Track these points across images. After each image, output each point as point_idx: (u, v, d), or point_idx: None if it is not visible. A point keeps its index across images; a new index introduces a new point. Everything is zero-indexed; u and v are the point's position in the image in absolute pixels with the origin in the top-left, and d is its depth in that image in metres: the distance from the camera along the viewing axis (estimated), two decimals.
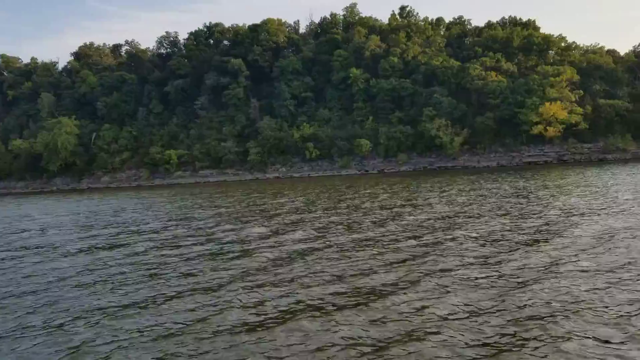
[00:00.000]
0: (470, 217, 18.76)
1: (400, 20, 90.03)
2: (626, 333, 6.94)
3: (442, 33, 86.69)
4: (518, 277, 9.85)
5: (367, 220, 19.39)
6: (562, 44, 76.41)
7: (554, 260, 11.07)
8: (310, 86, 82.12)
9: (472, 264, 11.16)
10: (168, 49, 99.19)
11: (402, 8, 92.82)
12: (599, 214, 17.37)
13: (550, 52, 76.84)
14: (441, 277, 10.18)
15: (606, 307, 7.92)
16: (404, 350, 6.81)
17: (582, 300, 8.25)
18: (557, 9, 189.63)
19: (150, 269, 12.75)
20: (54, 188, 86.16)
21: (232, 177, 79.13)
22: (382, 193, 32.84)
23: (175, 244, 16.64)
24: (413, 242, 14.23)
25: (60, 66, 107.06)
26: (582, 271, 10.01)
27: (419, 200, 26.52)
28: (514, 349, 6.67)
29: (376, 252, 13.05)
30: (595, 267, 10.25)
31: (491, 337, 7.07)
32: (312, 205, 27.55)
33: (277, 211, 25.35)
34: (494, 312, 7.96)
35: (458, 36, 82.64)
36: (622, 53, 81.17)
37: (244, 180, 76.05)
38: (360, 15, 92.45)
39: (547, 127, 64.96)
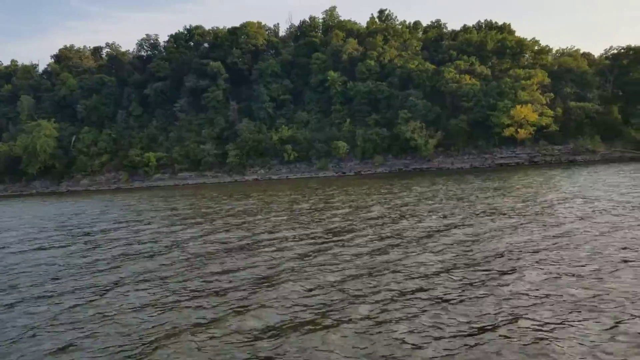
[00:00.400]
0: (392, 218, 19.61)
1: (379, 23, 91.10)
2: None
3: (419, 36, 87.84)
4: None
5: (297, 222, 20.16)
6: (536, 47, 77.83)
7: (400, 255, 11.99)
8: (289, 89, 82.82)
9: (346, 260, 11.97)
10: (148, 52, 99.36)
11: (381, 11, 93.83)
12: (500, 216, 18.28)
13: (525, 55, 78.14)
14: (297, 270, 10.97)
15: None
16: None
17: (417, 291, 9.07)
18: (548, 11, 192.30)
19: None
20: (33, 191, 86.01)
21: (211, 179, 79.59)
22: (335, 195, 33.67)
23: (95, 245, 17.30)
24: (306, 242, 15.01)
25: (40, 68, 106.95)
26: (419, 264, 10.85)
27: (358, 202, 27.36)
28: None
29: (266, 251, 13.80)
30: (439, 263, 11.14)
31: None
32: (260, 208, 28.28)
33: (219, 214, 26.03)
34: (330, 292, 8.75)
35: (434, 39, 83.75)
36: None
37: (222, 183, 76.59)
38: (340, 18, 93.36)
39: (519, 130, 66.29)
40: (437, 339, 7.40)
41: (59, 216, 32.12)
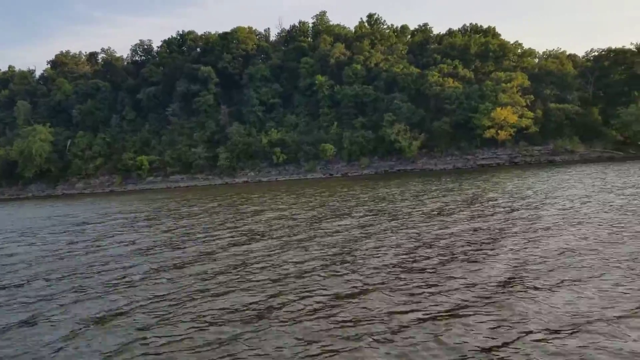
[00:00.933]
0: (334, 215, 21.42)
1: (367, 27, 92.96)
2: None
3: (406, 40, 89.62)
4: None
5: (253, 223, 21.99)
6: (518, 50, 79.58)
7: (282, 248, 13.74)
8: (278, 92, 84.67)
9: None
10: (142, 57, 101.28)
11: (370, 16, 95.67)
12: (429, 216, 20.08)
13: (507, 58, 79.81)
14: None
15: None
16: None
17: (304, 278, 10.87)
18: (548, 11, 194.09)
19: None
20: (29, 194, 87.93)
21: (202, 182, 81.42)
22: (310, 196, 35.48)
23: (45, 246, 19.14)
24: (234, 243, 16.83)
25: (37, 74, 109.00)
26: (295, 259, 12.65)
27: (312, 204, 29.18)
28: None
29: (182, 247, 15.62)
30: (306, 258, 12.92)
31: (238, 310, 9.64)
32: (226, 209, 30.10)
33: (181, 216, 27.87)
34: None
35: (420, 43, 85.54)
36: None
37: (213, 185, 78.42)
38: (329, 23, 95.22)
39: (499, 131, 68.05)
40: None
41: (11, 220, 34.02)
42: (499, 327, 7.85)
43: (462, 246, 13.76)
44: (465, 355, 7.00)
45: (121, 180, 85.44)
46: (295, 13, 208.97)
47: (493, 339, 7.48)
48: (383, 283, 10.58)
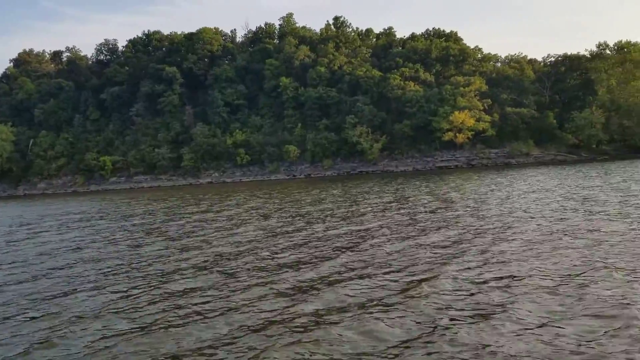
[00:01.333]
0: (258, 216, 22.12)
1: (334, 30, 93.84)
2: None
3: (371, 43, 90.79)
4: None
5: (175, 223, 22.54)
6: (478, 55, 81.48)
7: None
8: (243, 94, 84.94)
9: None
10: (107, 56, 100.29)
11: (336, 18, 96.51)
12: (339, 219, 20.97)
13: (467, 63, 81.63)
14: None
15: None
16: None
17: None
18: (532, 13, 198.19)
19: None
20: None
21: (166, 182, 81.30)
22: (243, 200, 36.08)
23: None
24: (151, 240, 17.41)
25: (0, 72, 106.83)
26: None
27: (245, 206, 29.86)
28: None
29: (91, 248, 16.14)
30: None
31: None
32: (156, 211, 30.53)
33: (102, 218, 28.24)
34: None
35: (384, 47, 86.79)
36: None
37: (177, 186, 78.44)
38: (296, 25, 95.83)
39: (457, 134, 69.71)
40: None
41: None
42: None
43: (345, 244, 14.55)
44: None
45: (84, 180, 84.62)
46: (268, 14, 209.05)
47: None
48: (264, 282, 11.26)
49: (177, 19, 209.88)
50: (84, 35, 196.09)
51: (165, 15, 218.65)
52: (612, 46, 76.65)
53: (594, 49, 77.86)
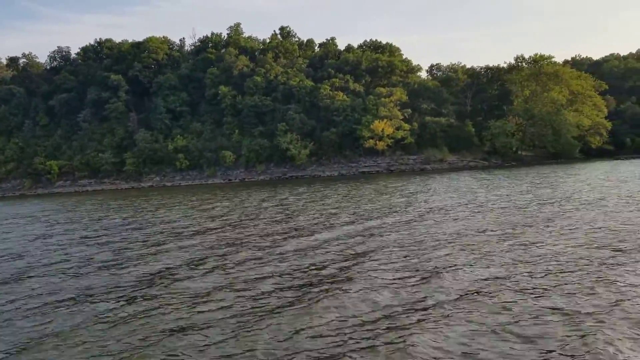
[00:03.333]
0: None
1: (280, 39, 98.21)
2: None
3: (312, 54, 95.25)
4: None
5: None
6: (405, 67, 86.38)
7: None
8: (186, 101, 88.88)
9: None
10: (60, 63, 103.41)
11: (282, 28, 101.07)
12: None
13: (397, 74, 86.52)
14: None
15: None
16: None
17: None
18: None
19: None
20: None
21: (110, 186, 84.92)
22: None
23: None
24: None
25: None
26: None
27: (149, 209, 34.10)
28: None
29: None
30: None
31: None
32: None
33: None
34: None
35: (321, 58, 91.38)
36: None
37: (120, 189, 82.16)
38: (243, 34, 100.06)
39: (378, 142, 74.54)
40: None
41: None
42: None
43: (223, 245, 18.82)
44: None
45: (31, 184, 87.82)
46: (264, 15, 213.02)
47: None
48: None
49: (158, 19, 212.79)
50: (62, 35, 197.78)
51: (144, 16, 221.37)
52: (527, 59, 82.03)
53: (512, 61, 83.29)
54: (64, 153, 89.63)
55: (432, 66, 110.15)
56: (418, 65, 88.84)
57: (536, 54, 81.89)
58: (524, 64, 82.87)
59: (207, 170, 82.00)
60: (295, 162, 77.50)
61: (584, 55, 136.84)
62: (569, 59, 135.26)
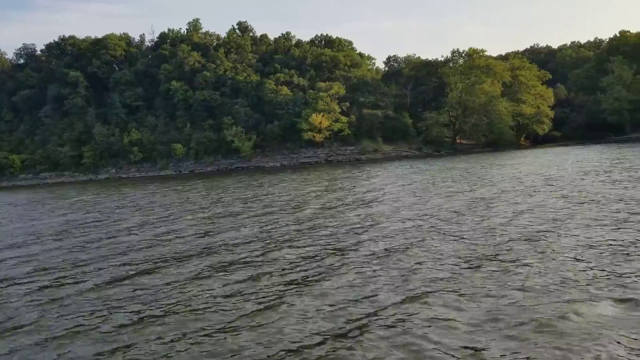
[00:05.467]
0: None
1: (238, 34, 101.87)
2: None
3: (265, 49, 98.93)
4: None
5: None
6: (349, 62, 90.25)
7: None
8: (141, 96, 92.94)
9: None
10: (26, 60, 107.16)
11: (240, 23, 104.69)
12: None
13: (341, 68, 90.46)
14: None
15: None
16: None
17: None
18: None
19: None
20: None
21: (69, 178, 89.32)
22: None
23: None
24: None
25: None
26: None
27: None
28: None
29: None
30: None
31: None
32: None
33: None
34: None
35: (271, 53, 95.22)
36: None
37: (78, 181, 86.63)
38: (202, 30, 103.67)
39: (316, 134, 78.81)
40: None
41: None
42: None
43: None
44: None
45: None
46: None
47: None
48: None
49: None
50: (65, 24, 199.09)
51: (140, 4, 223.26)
52: (462, 53, 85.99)
53: (449, 55, 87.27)
54: (27, 147, 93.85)
55: (389, 58, 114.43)
56: (369, 55, 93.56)
57: (470, 48, 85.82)
58: (459, 57, 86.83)
59: (160, 162, 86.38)
60: (240, 154, 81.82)
61: (542, 45, 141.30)
62: (528, 47, 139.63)
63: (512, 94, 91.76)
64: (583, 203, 19.19)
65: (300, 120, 79.37)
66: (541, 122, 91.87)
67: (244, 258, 14.26)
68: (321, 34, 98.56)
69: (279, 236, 17.27)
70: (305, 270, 12.38)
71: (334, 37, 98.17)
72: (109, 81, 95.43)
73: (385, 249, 13.98)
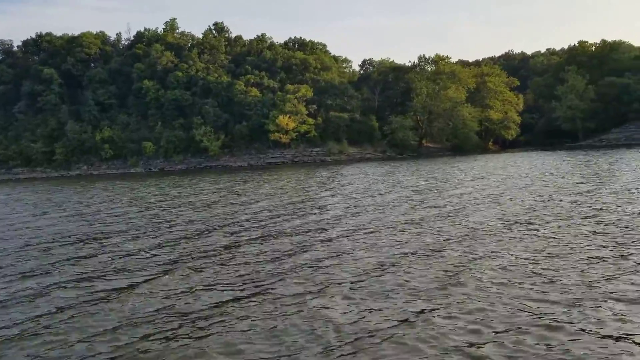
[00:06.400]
0: None
1: (215, 34, 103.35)
2: None
3: (239, 50, 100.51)
4: None
5: None
6: (319, 65, 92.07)
7: None
8: (115, 94, 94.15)
9: None
10: (3, 56, 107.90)
11: (216, 24, 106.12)
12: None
13: (311, 71, 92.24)
14: None
15: None
16: None
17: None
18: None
19: None
20: None
21: (41, 174, 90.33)
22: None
23: None
24: None
25: None
26: None
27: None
28: None
29: None
30: None
31: None
32: None
33: None
34: None
35: (243, 54, 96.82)
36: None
37: (50, 177, 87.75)
38: (178, 29, 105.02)
39: (282, 135, 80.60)
40: None
41: None
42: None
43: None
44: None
45: None
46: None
47: None
48: None
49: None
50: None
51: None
52: (428, 59, 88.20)
53: (416, 61, 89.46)
54: (1, 143, 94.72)
55: (364, 61, 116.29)
56: (345, 58, 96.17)
57: (436, 55, 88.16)
58: (425, 63, 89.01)
59: (130, 160, 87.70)
60: (208, 153, 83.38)
61: (517, 51, 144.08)
62: (503, 53, 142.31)
63: (480, 99, 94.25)
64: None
65: (268, 121, 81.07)
66: (508, 127, 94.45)
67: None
68: (295, 37, 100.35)
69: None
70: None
71: (307, 40, 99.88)
72: (83, 79, 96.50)
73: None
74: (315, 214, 21.47)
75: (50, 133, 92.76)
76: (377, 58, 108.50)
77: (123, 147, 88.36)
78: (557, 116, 76.84)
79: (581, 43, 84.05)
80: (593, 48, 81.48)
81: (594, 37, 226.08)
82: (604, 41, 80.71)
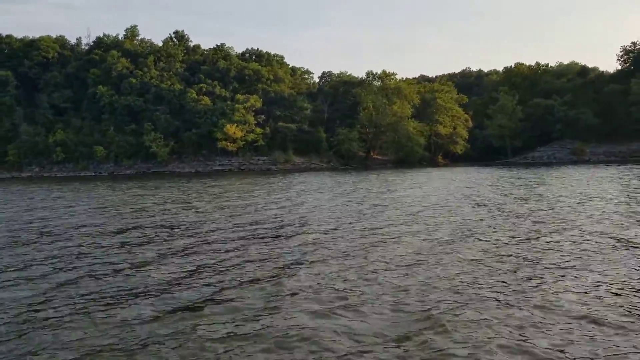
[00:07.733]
0: None
1: (175, 42, 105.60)
2: None
3: (196, 58, 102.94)
4: None
5: None
6: (271, 76, 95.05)
7: None
8: (70, 98, 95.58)
9: None
10: None
11: (176, 32, 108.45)
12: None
13: (263, 82, 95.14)
14: None
15: None
16: None
17: None
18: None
19: None
20: None
21: None
22: None
23: None
24: None
25: None
26: None
27: None
28: None
29: None
30: None
31: None
32: None
33: None
34: None
35: (199, 63, 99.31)
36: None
37: (1, 178, 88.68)
38: (139, 36, 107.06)
39: (230, 143, 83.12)
40: None
41: None
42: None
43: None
44: None
45: None
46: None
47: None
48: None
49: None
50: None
51: None
52: (375, 75, 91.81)
53: (364, 76, 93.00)
54: None
55: (323, 73, 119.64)
56: (307, 70, 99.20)
57: (382, 71, 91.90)
58: (373, 79, 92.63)
59: (81, 163, 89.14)
60: (157, 158, 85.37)
61: (474, 69, 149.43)
62: (459, 70, 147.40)
63: (430, 115, 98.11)
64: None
65: (216, 129, 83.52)
66: (456, 142, 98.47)
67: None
68: (252, 48, 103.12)
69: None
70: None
71: (264, 51, 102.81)
72: (39, 82, 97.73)
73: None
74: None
75: (4, 134, 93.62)
76: (344, 69, 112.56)
77: (75, 150, 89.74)
78: (488, 134, 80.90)
79: (517, 65, 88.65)
80: (526, 70, 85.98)
81: (553, 58, 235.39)
82: (537, 63, 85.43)
